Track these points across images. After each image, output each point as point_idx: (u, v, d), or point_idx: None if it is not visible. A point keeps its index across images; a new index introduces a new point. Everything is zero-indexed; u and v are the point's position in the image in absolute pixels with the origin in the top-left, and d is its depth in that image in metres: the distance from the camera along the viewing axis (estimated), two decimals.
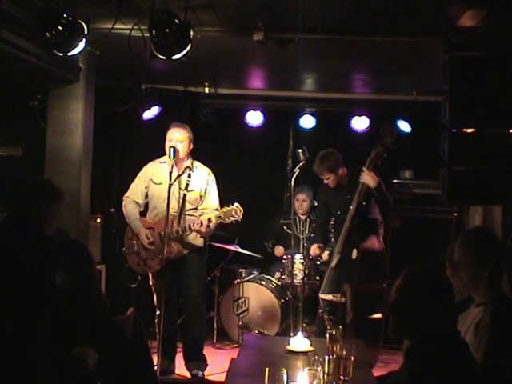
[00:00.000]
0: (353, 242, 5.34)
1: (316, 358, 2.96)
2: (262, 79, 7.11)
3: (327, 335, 3.34)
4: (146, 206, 5.27)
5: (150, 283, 5.19)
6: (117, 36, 4.17)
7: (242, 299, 6.37)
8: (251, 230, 6.72)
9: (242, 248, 6.49)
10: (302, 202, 6.76)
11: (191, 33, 3.91)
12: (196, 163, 5.16)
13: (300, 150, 5.47)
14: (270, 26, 4.60)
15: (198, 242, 5.16)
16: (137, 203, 5.21)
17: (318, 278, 6.31)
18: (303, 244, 6.69)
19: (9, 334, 1.87)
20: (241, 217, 4.88)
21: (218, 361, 5.50)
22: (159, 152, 5.14)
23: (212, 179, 5.18)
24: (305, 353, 3.54)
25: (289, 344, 3.66)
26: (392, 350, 5.62)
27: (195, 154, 5.24)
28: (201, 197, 5.11)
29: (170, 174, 4.86)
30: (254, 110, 7.18)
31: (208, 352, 5.54)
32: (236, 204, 4.90)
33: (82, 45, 4.09)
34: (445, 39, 4.56)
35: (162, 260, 4.83)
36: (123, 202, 5.25)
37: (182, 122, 5.19)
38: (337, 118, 7.24)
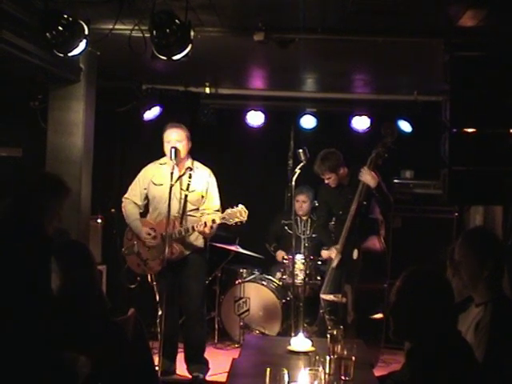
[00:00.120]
0: (354, 242, 5.34)
1: (317, 358, 2.96)
2: (263, 79, 7.11)
3: (328, 335, 3.34)
4: (146, 207, 5.27)
5: (150, 281, 5.18)
6: (117, 36, 4.17)
7: (243, 299, 6.37)
8: (252, 231, 6.70)
9: (242, 248, 6.49)
10: (302, 203, 6.76)
11: (192, 33, 3.91)
12: (196, 163, 5.16)
13: (301, 150, 5.46)
14: (271, 26, 4.59)
15: (199, 242, 5.16)
16: (136, 204, 5.21)
17: (318, 278, 6.31)
18: (304, 244, 6.69)
19: (8, 334, 1.87)
20: (245, 218, 4.88)
21: (219, 361, 5.50)
22: (160, 152, 5.14)
23: (213, 179, 5.18)
24: (306, 353, 3.54)
25: (290, 344, 3.66)
26: (393, 350, 5.62)
27: (196, 154, 5.25)
28: (202, 197, 5.11)
29: (172, 174, 4.87)
30: (255, 110, 7.17)
31: (209, 352, 5.54)
32: (241, 205, 4.90)
33: (82, 45, 4.09)
34: (445, 39, 4.56)
35: (163, 260, 4.83)
36: (122, 203, 5.26)
37: (180, 122, 5.19)
38: (337, 118, 7.23)
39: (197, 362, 5.23)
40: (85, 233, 5.53)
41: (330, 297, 5.38)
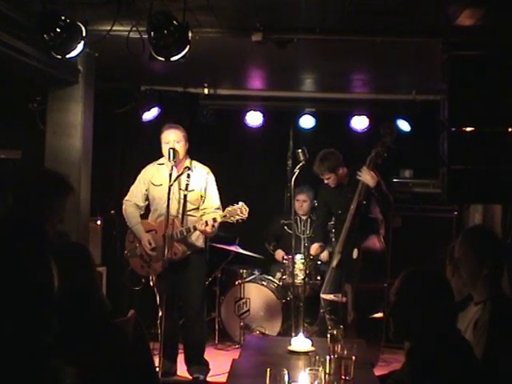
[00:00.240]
0: (353, 241, 5.34)
1: (317, 358, 2.96)
2: (262, 80, 7.11)
3: (328, 335, 3.34)
4: (147, 208, 5.27)
5: (151, 284, 5.19)
6: (115, 38, 4.16)
7: (243, 300, 6.37)
8: (252, 231, 6.71)
9: (242, 249, 6.49)
10: (302, 203, 6.76)
11: (190, 34, 3.91)
12: (194, 163, 5.16)
13: (300, 151, 5.46)
14: (269, 26, 4.59)
15: (200, 242, 5.16)
16: (137, 206, 5.21)
17: (319, 278, 6.31)
18: (304, 244, 6.69)
19: (8, 335, 1.87)
20: (246, 215, 4.87)
21: (219, 362, 5.50)
22: (159, 153, 5.14)
23: (211, 178, 5.18)
24: (306, 353, 3.53)
25: (290, 344, 3.66)
26: (393, 349, 5.61)
27: (195, 154, 5.25)
28: (201, 196, 5.11)
29: (170, 175, 4.87)
30: (254, 110, 7.17)
31: (209, 353, 5.54)
32: (241, 203, 4.89)
33: (80, 47, 4.09)
34: (444, 38, 4.56)
35: (164, 261, 4.83)
36: (123, 206, 5.25)
37: (179, 123, 5.20)
38: (336, 117, 7.23)
39: (197, 363, 5.23)
40: (84, 234, 5.53)
41: (330, 296, 5.39)
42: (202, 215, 5.04)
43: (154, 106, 6.78)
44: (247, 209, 4.88)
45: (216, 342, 6.36)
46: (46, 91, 5.46)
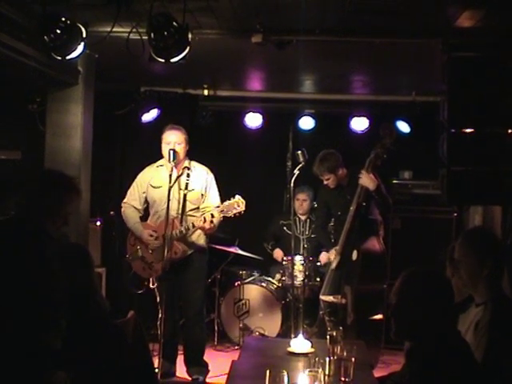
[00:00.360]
0: (353, 243, 5.34)
1: (317, 359, 2.95)
2: (261, 81, 7.11)
3: (328, 336, 3.34)
4: (146, 211, 5.27)
5: (151, 286, 5.18)
6: (115, 39, 4.16)
7: (243, 301, 6.37)
8: (251, 232, 6.72)
9: (242, 250, 6.48)
10: (302, 202, 6.76)
11: (189, 35, 3.91)
12: (193, 163, 5.16)
13: (299, 152, 5.46)
14: (269, 27, 4.59)
15: (201, 241, 5.15)
16: (136, 208, 5.21)
17: (318, 279, 6.30)
18: (303, 245, 6.68)
19: (9, 335, 1.87)
20: (243, 208, 4.85)
21: (218, 363, 5.50)
22: (159, 154, 5.14)
23: (211, 177, 5.18)
24: (306, 354, 3.53)
25: (290, 346, 3.66)
26: (393, 350, 5.61)
27: (195, 156, 5.25)
28: (202, 195, 5.11)
29: (170, 176, 4.87)
30: (254, 111, 7.18)
31: (209, 354, 5.54)
32: (237, 196, 4.88)
33: (80, 48, 4.09)
34: (444, 39, 4.56)
35: (165, 262, 4.82)
36: (122, 209, 5.25)
37: (179, 125, 5.19)
38: (336, 119, 7.23)
39: (196, 365, 5.23)
40: (84, 235, 5.52)
41: (330, 298, 5.38)
42: (202, 214, 5.04)
43: (153, 107, 6.78)
44: (244, 201, 4.86)
45: (215, 343, 6.36)
46: (46, 92, 5.47)
